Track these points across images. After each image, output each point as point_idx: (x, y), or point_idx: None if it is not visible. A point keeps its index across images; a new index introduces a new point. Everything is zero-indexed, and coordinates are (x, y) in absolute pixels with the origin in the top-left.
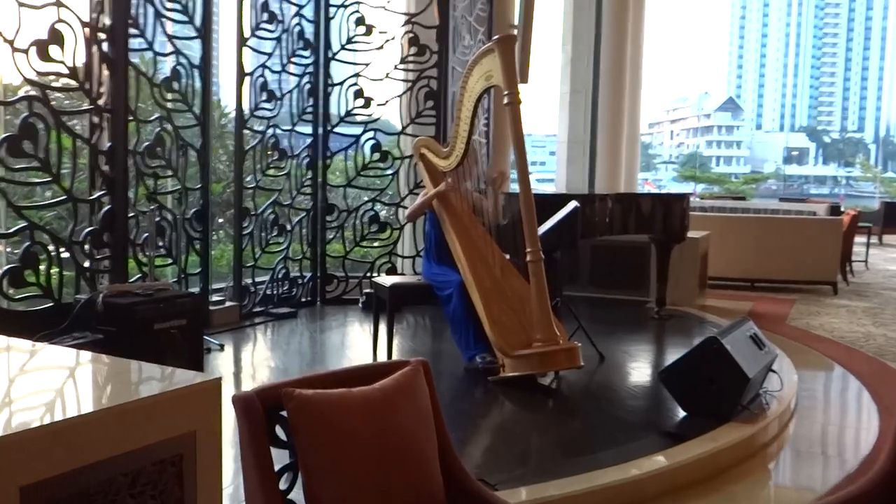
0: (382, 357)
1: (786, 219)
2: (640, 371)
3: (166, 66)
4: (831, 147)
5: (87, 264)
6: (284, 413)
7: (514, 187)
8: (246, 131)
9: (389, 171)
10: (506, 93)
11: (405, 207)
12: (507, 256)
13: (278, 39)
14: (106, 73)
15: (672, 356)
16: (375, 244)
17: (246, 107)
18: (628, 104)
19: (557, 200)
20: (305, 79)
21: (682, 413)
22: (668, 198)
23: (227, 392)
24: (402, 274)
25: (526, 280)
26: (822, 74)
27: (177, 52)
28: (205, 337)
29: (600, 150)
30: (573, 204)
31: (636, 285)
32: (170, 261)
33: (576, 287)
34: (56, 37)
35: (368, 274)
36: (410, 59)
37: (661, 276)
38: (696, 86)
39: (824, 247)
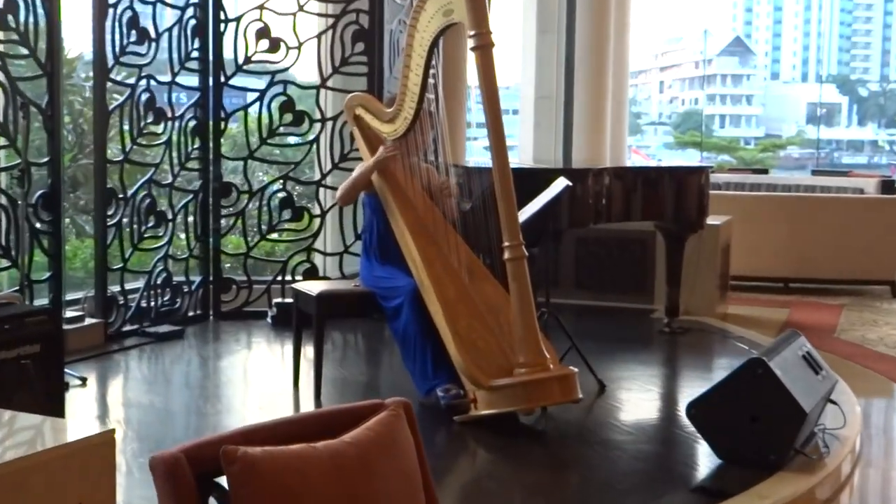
0: (306, 391)
1: (826, 198)
2: (653, 404)
3: None
4: (869, 102)
5: None
6: (223, 479)
7: (477, 161)
8: (109, 84)
9: (307, 138)
10: (472, 33)
11: (330, 187)
12: (477, 254)
13: None
14: None
15: (693, 383)
16: (288, 237)
17: (108, 51)
18: (614, 48)
19: (534, 177)
20: (189, 12)
21: (716, 461)
22: (683, 173)
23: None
24: (326, 277)
25: (502, 285)
26: (856, 7)
27: None
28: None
29: (578, 108)
30: (563, 182)
31: (638, 289)
32: (6, 263)
33: (559, 292)
34: None
35: (280, 277)
36: None
37: (673, 276)
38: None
39: (878, 235)
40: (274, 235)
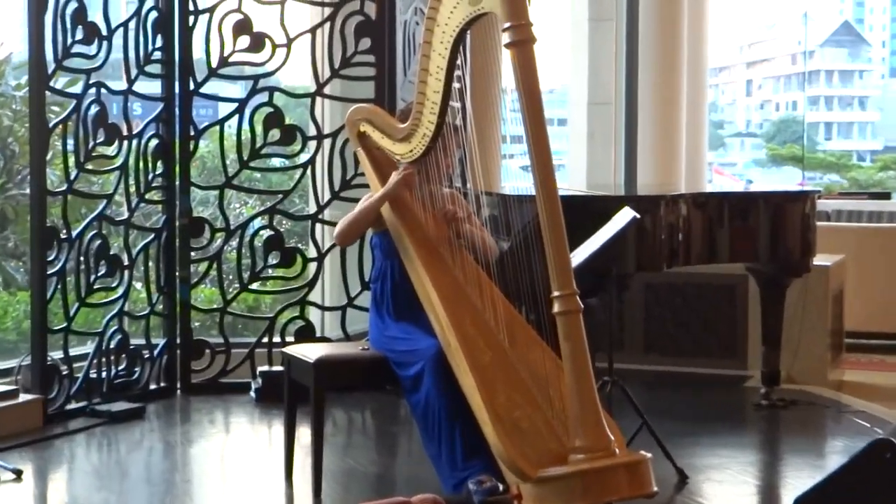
0: (302, 486)
1: None
2: (749, 500)
3: None
4: None
5: None
6: None
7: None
8: (48, 94)
9: (299, 160)
10: (508, 25)
11: (328, 223)
12: (518, 308)
13: None
14: None
15: (801, 472)
16: (276, 287)
17: (49, 52)
18: (688, 39)
19: (589, 207)
20: (149, 2)
21: None
22: (781, 199)
23: None
24: (326, 339)
25: (552, 347)
26: None
27: None
28: None
29: (644, 117)
30: (628, 214)
31: (726, 350)
32: None
33: (624, 355)
34: None
35: (266, 339)
36: None
37: (771, 333)
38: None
39: None
40: (258, 285)
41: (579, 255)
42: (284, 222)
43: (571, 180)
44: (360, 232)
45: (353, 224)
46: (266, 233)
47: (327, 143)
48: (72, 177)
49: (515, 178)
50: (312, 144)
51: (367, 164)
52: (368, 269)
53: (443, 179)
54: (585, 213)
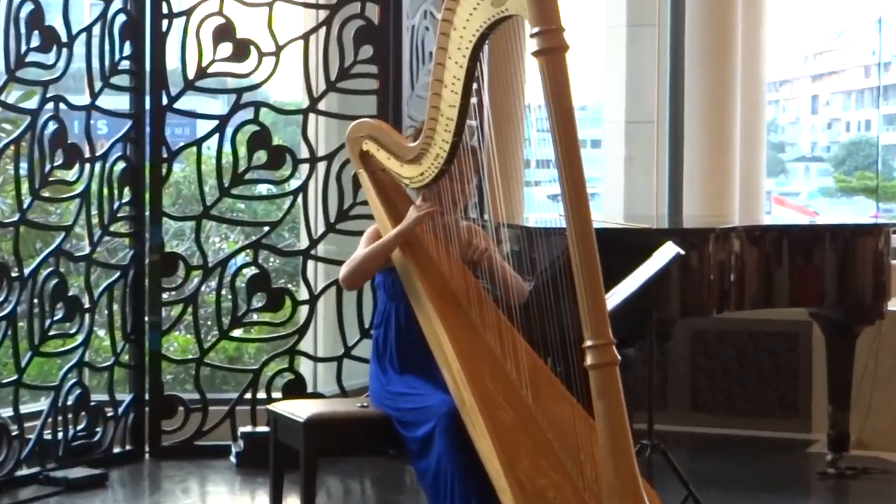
0: None
1: None
2: None
3: None
4: None
5: None
6: None
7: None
8: None
9: (289, 187)
10: (536, 31)
11: (322, 260)
12: (544, 359)
13: None
14: None
15: None
16: (261, 334)
17: (0, 61)
18: (743, 47)
19: (627, 242)
20: (117, 3)
21: None
22: (851, 233)
23: None
24: (318, 394)
25: (583, 404)
26: None
27: None
28: None
29: (692, 138)
30: (671, 250)
31: (786, 410)
32: None
33: (667, 415)
34: None
35: (249, 395)
36: None
37: (839, 390)
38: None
39: None
40: (240, 332)
41: (616, 298)
42: (272, 259)
43: (606, 211)
44: (370, 274)
45: (363, 265)
46: (250, 271)
47: (322, 166)
48: (25, 205)
49: (542, 209)
50: (305, 168)
51: (371, 189)
52: (369, 314)
53: (458, 209)
54: (623, 248)
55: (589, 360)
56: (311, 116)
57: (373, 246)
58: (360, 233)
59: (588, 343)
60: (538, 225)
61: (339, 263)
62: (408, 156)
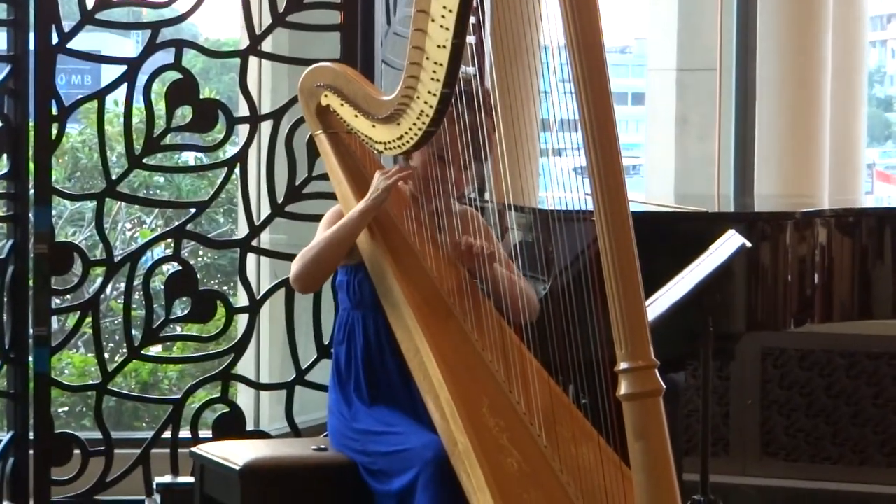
0: None
1: None
2: None
3: None
4: None
5: None
6: None
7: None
8: None
9: (223, 154)
10: None
11: (268, 254)
12: (563, 386)
13: None
14: None
15: None
16: (184, 351)
17: None
18: None
19: (677, 229)
20: None
21: None
22: None
23: None
24: (261, 433)
25: (616, 446)
26: None
27: None
28: None
29: (766, 94)
30: (735, 242)
31: (889, 457)
32: None
33: (729, 461)
34: None
35: (168, 434)
36: None
37: None
38: None
39: None
40: (157, 349)
41: (660, 306)
42: (200, 252)
43: (650, 189)
44: (330, 269)
45: (320, 257)
46: (171, 268)
47: (267, 127)
48: None
49: (562, 185)
50: (244, 130)
51: (332, 158)
52: (328, 326)
53: (451, 188)
54: (671, 239)
55: (623, 389)
56: (253, 60)
57: (331, 230)
58: (319, 217)
59: (622, 366)
60: (557, 207)
61: (291, 258)
62: (382, 112)
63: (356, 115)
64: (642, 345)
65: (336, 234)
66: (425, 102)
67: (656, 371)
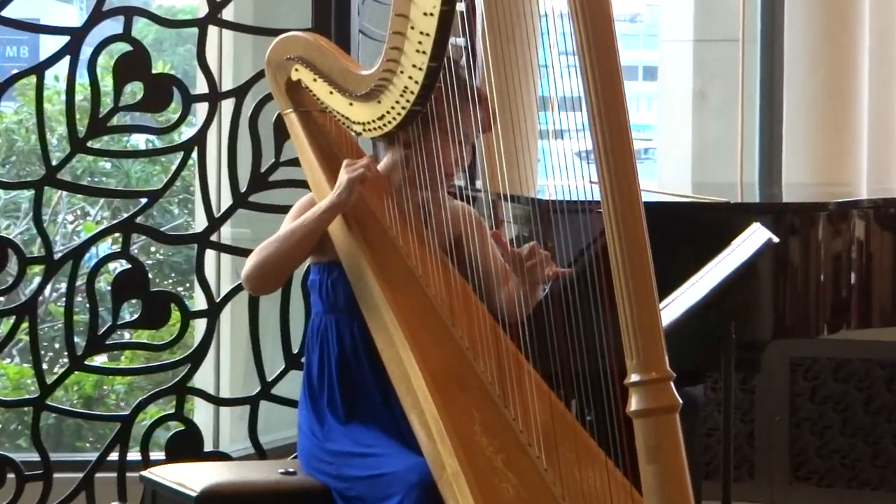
0: None
1: None
2: None
3: None
4: None
5: None
6: None
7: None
8: None
9: (178, 137)
10: None
11: (229, 250)
12: (566, 402)
13: None
14: None
15: None
16: (134, 361)
17: None
18: None
19: (694, 221)
20: None
21: None
22: None
23: None
24: (222, 454)
25: (626, 469)
26: None
27: None
28: None
29: (796, 64)
30: (760, 237)
31: None
32: None
33: (755, 485)
34: None
35: (116, 455)
36: None
37: None
38: None
39: None
40: (103, 359)
41: (675, 309)
42: (152, 248)
43: (664, 175)
44: (287, 271)
45: (276, 254)
46: (118, 266)
47: (228, 106)
48: None
49: (564, 172)
50: (202, 109)
51: (304, 139)
52: (299, 332)
53: (438, 175)
54: (688, 233)
55: (634, 404)
56: (213, 30)
57: (290, 226)
58: (287, 209)
59: (633, 378)
60: (559, 197)
61: None
62: (360, 89)
63: (331, 92)
64: (656, 354)
65: (295, 232)
66: (410, 77)
67: (672, 384)
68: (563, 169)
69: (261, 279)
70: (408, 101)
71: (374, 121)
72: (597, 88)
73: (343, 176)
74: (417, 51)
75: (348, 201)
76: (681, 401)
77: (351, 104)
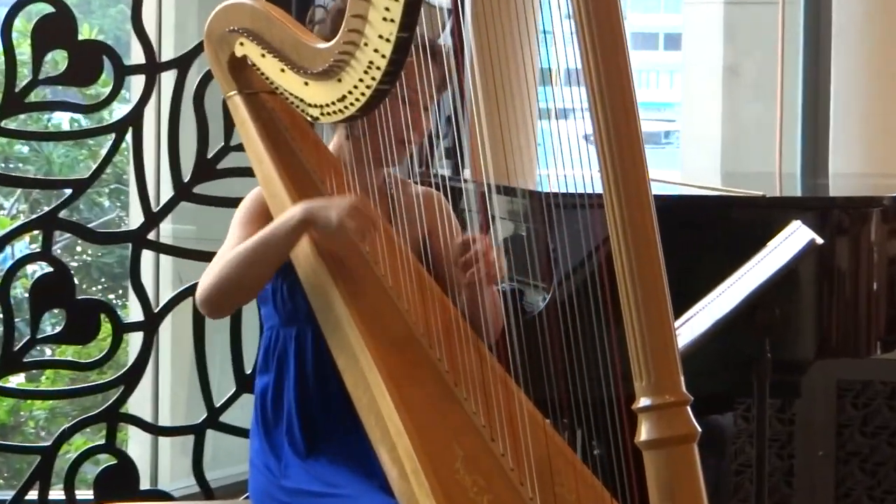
0: None
1: None
2: None
3: None
4: None
5: None
6: None
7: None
8: None
9: (109, 117)
10: None
11: (171, 250)
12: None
13: None
14: None
15: None
16: (56, 382)
17: None
18: None
19: (721, 218)
20: None
21: None
22: None
23: None
24: (161, 494)
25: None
26: None
27: None
28: None
29: (845, 31)
30: (801, 237)
31: None
32: None
33: None
34: None
35: (36, 494)
36: None
37: None
38: None
39: None
40: (19, 379)
41: (697, 324)
42: (78, 247)
43: (689, 163)
44: (251, 293)
45: (239, 277)
46: (38, 269)
47: (168, 80)
48: None
49: (569, 160)
50: (139, 84)
51: (251, 128)
52: (252, 350)
53: (388, 144)
54: (714, 233)
55: (644, 433)
56: None
57: (250, 242)
58: (236, 202)
59: (643, 402)
60: (561, 190)
61: (200, 256)
62: (317, 65)
63: (283, 70)
64: (669, 374)
65: (257, 249)
66: (375, 51)
67: (688, 409)
68: (567, 155)
69: (219, 303)
70: (373, 78)
71: (333, 103)
72: (594, 57)
73: (350, 216)
74: (384, 18)
75: (334, 242)
76: (700, 430)
77: (306, 83)
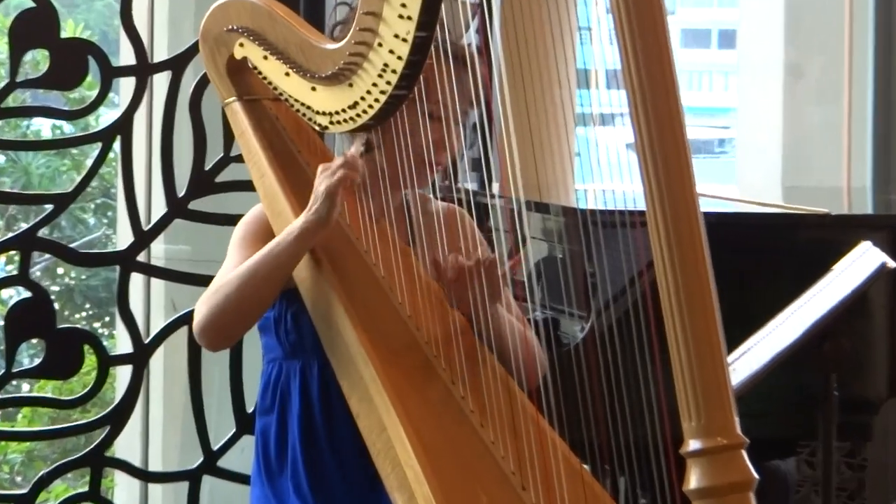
0: None
1: None
2: None
3: None
4: None
5: None
6: None
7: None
8: None
9: (95, 124)
10: None
11: (181, 278)
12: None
13: None
14: None
15: None
16: (33, 422)
17: None
18: None
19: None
20: None
21: None
22: None
23: None
24: None
25: None
26: None
27: None
28: None
29: None
30: (872, 260)
31: None
32: None
33: None
34: None
35: None
36: None
37: None
38: None
39: None
40: None
41: (754, 358)
42: (59, 271)
43: (745, 176)
44: (254, 318)
45: (238, 303)
46: (14, 294)
47: (161, 83)
48: None
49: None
50: (128, 87)
51: (252, 138)
52: (253, 385)
53: (424, 178)
54: (773, 256)
55: (694, 481)
56: None
57: (251, 261)
58: (235, 220)
59: (691, 446)
60: (602, 206)
61: (196, 280)
62: (325, 68)
63: (287, 74)
64: (722, 414)
65: (259, 267)
66: (391, 52)
67: (744, 453)
68: (610, 168)
69: (220, 331)
70: (388, 82)
71: (344, 110)
72: (635, 57)
73: (319, 185)
74: (401, 16)
75: (329, 219)
76: (758, 477)
77: (314, 89)
